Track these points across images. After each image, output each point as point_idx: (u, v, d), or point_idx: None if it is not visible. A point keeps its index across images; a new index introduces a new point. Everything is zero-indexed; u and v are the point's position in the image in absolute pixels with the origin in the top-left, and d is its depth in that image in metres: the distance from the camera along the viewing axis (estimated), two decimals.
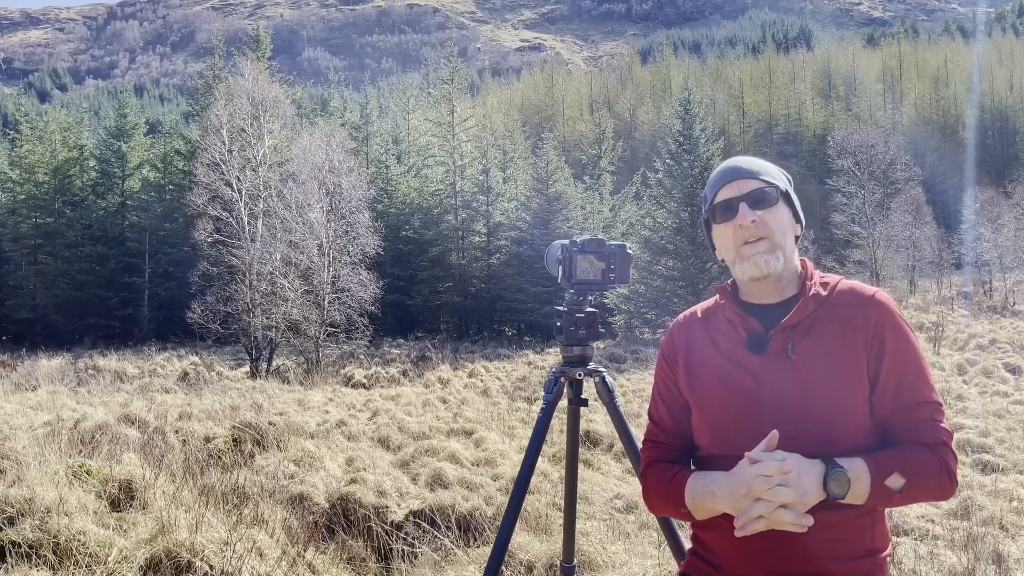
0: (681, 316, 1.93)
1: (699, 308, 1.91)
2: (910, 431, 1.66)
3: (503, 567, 3.19)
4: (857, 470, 1.58)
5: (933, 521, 6.29)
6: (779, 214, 1.76)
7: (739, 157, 1.86)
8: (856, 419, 1.65)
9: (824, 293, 1.74)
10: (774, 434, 1.59)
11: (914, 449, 1.63)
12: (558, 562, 3.04)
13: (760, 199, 1.75)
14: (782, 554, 1.64)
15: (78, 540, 3.52)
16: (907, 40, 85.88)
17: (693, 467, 1.82)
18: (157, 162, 40.75)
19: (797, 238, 1.81)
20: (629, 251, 2.43)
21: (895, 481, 1.59)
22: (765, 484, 1.56)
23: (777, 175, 1.81)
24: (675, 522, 2.42)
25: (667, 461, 1.85)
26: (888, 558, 1.72)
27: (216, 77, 36.87)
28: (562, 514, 2.82)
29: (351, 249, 24.21)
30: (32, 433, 5.79)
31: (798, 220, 1.82)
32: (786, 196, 1.79)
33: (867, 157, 38.53)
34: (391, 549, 4.72)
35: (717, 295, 1.87)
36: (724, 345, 1.77)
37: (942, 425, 1.67)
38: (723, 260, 1.84)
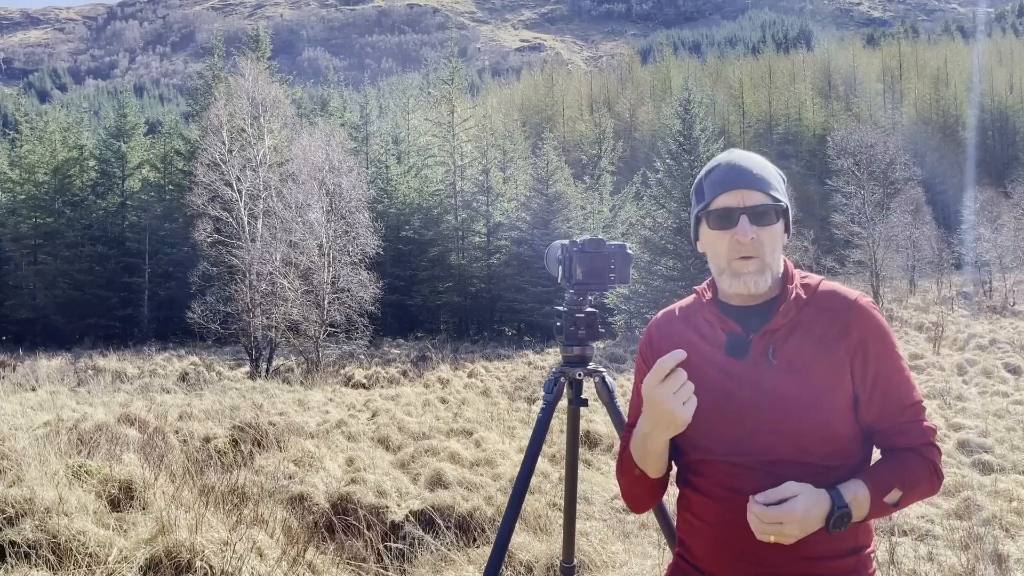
0: (660, 314, 1.88)
1: (676, 307, 1.85)
2: (898, 435, 1.67)
3: (503, 567, 3.19)
4: (859, 495, 1.58)
5: (933, 521, 6.29)
6: (775, 232, 1.69)
7: (740, 155, 1.74)
8: (835, 423, 1.62)
9: (805, 296, 1.69)
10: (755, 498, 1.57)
11: (905, 458, 1.65)
12: (558, 562, 3.04)
13: (762, 215, 1.67)
14: (767, 556, 1.63)
15: (78, 540, 3.52)
16: (907, 40, 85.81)
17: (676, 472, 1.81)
18: (157, 162, 40.73)
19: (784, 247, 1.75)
20: (629, 251, 2.43)
21: (893, 496, 1.61)
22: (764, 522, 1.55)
23: (779, 184, 1.72)
24: (669, 509, 2.41)
25: None
26: (872, 554, 1.72)
27: (216, 77, 36.85)
28: (562, 514, 2.82)
29: (351, 249, 24.20)
30: (32, 433, 5.79)
31: (787, 230, 1.75)
32: (785, 212, 1.72)
33: (867, 157, 38.41)
34: (391, 549, 4.72)
35: (694, 294, 1.82)
36: (703, 347, 1.72)
37: (926, 424, 1.68)
38: (705, 257, 1.79)
